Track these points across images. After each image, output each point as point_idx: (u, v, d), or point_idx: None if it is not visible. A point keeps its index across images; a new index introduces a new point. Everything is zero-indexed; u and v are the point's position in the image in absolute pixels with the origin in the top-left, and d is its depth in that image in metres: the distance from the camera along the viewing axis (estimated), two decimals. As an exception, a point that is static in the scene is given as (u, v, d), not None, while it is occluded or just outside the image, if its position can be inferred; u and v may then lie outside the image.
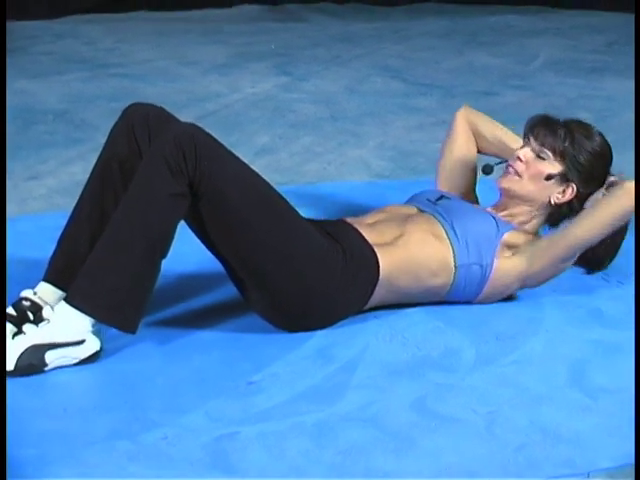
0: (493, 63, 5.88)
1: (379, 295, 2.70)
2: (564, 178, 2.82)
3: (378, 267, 2.67)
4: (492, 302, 2.83)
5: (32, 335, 2.43)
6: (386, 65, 5.75)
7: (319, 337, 2.66)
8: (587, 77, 5.56)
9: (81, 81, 5.32)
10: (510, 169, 2.85)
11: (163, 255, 2.50)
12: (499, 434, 2.27)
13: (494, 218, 2.81)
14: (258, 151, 4.04)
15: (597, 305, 2.88)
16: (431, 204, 2.87)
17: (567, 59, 6.00)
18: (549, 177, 2.81)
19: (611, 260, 3.04)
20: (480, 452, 2.21)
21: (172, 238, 2.50)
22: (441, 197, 2.92)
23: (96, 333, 2.48)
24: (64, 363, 2.45)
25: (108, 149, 2.67)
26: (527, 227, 2.87)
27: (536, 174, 2.82)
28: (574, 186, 2.83)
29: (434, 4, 7.43)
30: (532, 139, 2.83)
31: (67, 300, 2.45)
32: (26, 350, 2.41)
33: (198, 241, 2.66)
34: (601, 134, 2.87)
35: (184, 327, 2.71)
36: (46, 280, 2.64)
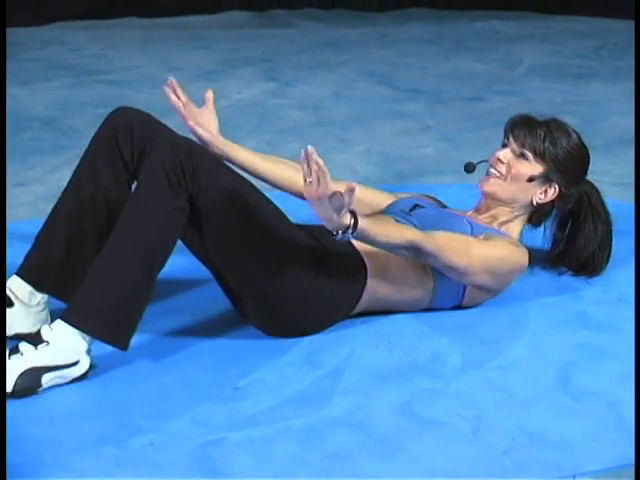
0: (479, 68, 5.89)
1: (363, 303, 2.71)
2: (546, 178, 2.83)
3: (366, 272, 2.67)
4: (482, 301, 2.83)
5: (30, 357, 2.40)
6: (372, 71, 5.76)
7: (306, 343, 2.66)
8: (573, 82, 5.57)
9: (68, 88, 5.32)
10: (492, 171, 2.85)
11: (160, 270, 2.51)
12: (485, 438, 2.28)
13: (469, 223, 2.81)
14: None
15: (582, 308, 2.89)
16: (405, 214, 2.85)
17: (553, 64, 6.01)
18: (531, 179, 2.82)
19: (607, 263, 3.03)
20: (467, 456, 2.22)
21: (170, 253, 2.50)
22: (415, 207, 2.89)
23: (88, 351, 2.47)
24: (57, 383, 2.44)
25: (90, 154, 2.67)
26: (510, 227, 2.87)
27: (518, 175, 2.82)
28: (556, 186, 2.84)
29: (420, 10, 7.44)
30: (512, 140, 2.83)
31: (65, 318, 2.43)
32: (24, 373, 2.39)
33: (186, 249, 2.67)
34: (577, 133, 2.88)
35: (170, 334, 2.72)
36: (18, 274, 2.64)
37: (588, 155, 2.89)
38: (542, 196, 2.85)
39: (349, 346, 2.66)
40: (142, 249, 2.45)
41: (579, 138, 2.87)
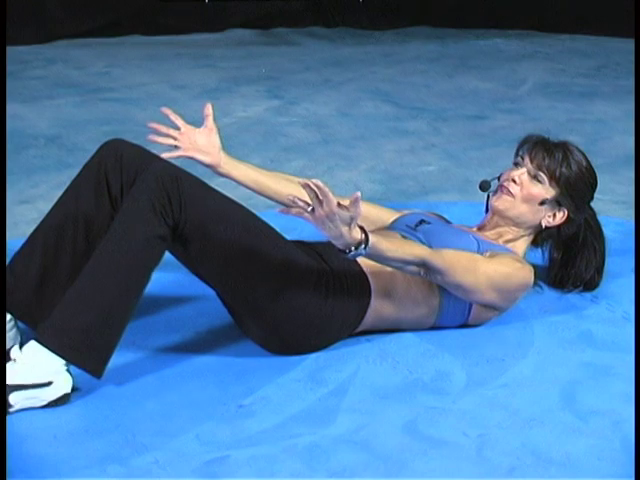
0: (483, 87, 5.90)
1: (368, 321, 2.71)
2: (556, 202, 2.83)
3: (370, 291, 2.67)
4: (488, 319, 2.82)
5: None
6: (376, 89, 5.77)
7: (310, 361, 2.66)
8: (577, 101, 5.58)
9: (72, 105, 5.33)
10: (504, 189, 2.85)
11: (137, 298, 2.48)
12: (490, 457, 2.27)
13: (475, 239, 2.80)
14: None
15: (587, 327, 2.88)
16: (411, 230, 2.85)
17: (556, 83, 6.02)
18: (543, 202, 2.83)
19: (600, 276, 3.03)
20: (471, 475, 2.21)
21: (148, 281, 2.49)
22: (421, 222, 2.89)
23: (68, 374, 2.42)
24: (31, 405, 2.39)
25: (77, 182, 2.65)
26: (516, 245, 2.87)
27: (530, 198, 2.83)
28: (565, 210, 2.84)
29: (424, 28, 7.46)
30: (528, 161, 2.83)
31: (36, 337, 2.41)
32: None
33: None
34: (589, 160, 2.88)
35: (174, 351, 2.71)
36: None
37: (597, 180, 2.89)
38: (550, 219, 2.86)
39: (353, 364, 2.66)
40: (120, 274, 2.43)
41: (590, 165, 2.87)
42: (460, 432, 2.36)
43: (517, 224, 2.86)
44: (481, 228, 2.92)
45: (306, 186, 2.29)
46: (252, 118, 5.20)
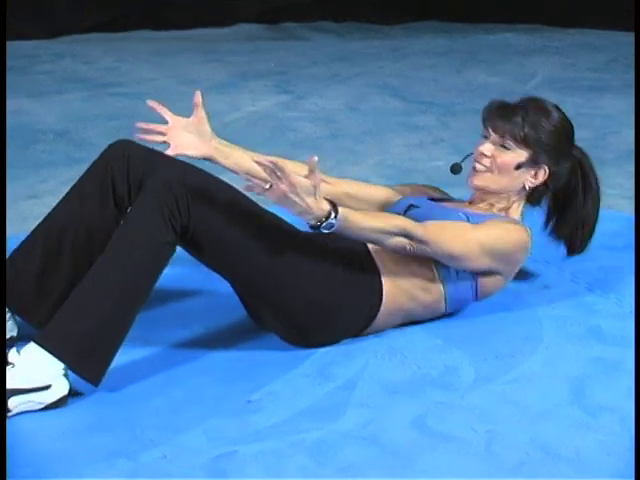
0: (492, 81, 5.89)
1: (382, 318, 2.71)
2: (533, 162, 2.77)
3: (379, 275, 2.68)
4: (498, 288, 2.79)
5: None
6: (385, 83, 5.76)
7: (318, 356, 2.65)
8: (585, 95, 5.56)
9: (81, 100, 5.33)
10: (478, 166, 2.79)
11: (140, 304, 2.48)
12: (499, 452, 2.27)
13: (465, 214, 2.76)
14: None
15: (596, 322, 2.87)
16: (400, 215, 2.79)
17: (566, 77, 6.00)
18: (518, 166, 2.76)
19: (589, 239, 2.94)
20: (480, 470, 2.21)
21: (152, 288, 2.49)
22: (409, 207, 2.84)
23: (65, 377, 2.41)
24: (29, 408, 2.38)
25: (82, 181, 2.65)
26: (510, 212, 2.82)
27: (504, 166, 2.76)
28: (545, 167, 2.78)
29: (433, 23, 7.44)
30: (491, 131, 2.77)
31: (35, 339, 2.40)
32: None
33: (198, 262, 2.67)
34: (557, 107, 2.81)
35: (181, 346, 2.71)
36: None
37: (572, 127, 2.82)
38: (533, 180, 2.80)
39: (362, 359, 2.66)
40: (125, 282, 2.43)
41: (559, 111, 2.80)
42: (469, 427, 2.36)
43: (503, 194, 2.81)
44: (472, 202, 2.87)
45: (260, 164, 2.29)
46: (260, 113, 5.19)
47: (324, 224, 2.39)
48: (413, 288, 2.71)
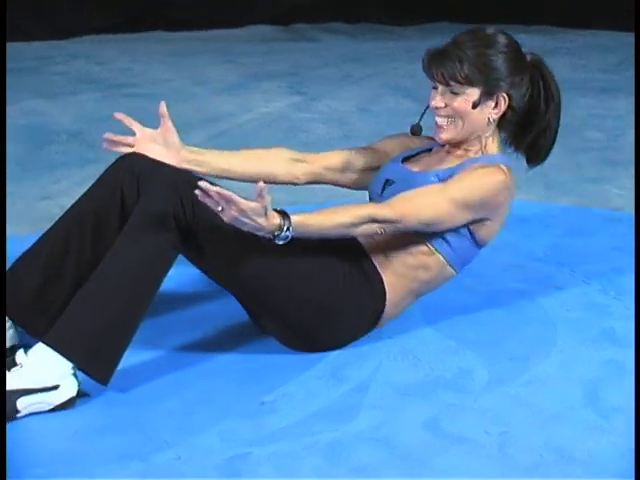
0: (504, 82, 5.88)
1: (391, 308, 2.70)
2: (488, 94, 2.67)
3: (384, 288, 2.68)
4: (495, 232, 2.74)
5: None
6: (398, 84, 5.75)
7: (331, 358, 2.66)
8: (597, 97, 5.56)
9: (95, 101, 5.34)
10: (438, 120, 2.71)
11: (147, 305, 2.48)
12: (512, 454, 2.27)
13: (437, 176, 2.69)
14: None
15: (609, 324, 2.87)
16: (379, 197, 2.77)
17: (577, 79, 5.99)
18: (475, 105, 2.67)
19: (552, 147, 2.84)
20: (492, 472, 2.21)
21: (158, 288, 2.49)
22: (385, 184, 2.79)
23: (74, 377, 2.42)
24: (38, 409, 2.38)
25: (89, 194, 2.64)
26: (487, 150, 2.73)
27: (462, 110, 2.68)
28: (503, 94, 2.68)
29: (446, 24, 7.43)
30: (435, 82, 2.70)
31: (43, 339, 2.40)
32: None
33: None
34: (496, 30, 2.73)
35: (194, 348, 2.72)
36: None
37: (517, 43, 2.73)
38: (496, 111, 2.70)
39: (375, 361, 2.66)
40: (131, 281, 2.43)
41: (500, 36, 2.70)
42: (482, 430, 2.36)
43: (472, 136, 2.73)
44: (449, 152, 2.79)
45: (205, 197, 2.32)
46: (273, 114, 5.20)
47: (279, 236, 2.41)
48: (412, 270, 2.69)
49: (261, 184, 2.33)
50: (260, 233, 2.40)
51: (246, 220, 2.36)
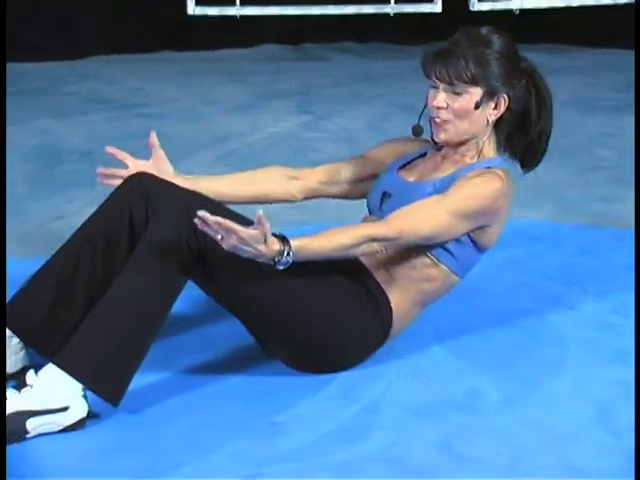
0: (514, 101, 5.88)
1: (399, 323, 2.69)
2: (490, 95, 2.67)
3: (390, 305, 2.67)
4: (496, 236, 2.71)
5: (14, 401, 2.36)
6: (407, 103, 5.74)
7: (342, 378, 2.65)
8: (608, 115, 5.56)
9: (105, 121, 5.36)
10: (438, 120, 2.69)
11: (158, 327, 2.48)
12: (524, 475, 2.26)
13: (433, 186, 2.67)
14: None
15: (621, 344, 2.86)
16: (379, 211, 2.76)
17: (588, 97, 6.00)
18: (477, 106, 2.66)
19: (545, 153, 2.83)
20: (505, 493, 2.21)
21: (169, 311, 2.49)
22: (383, 197, 2.78)
23: (84, 399, 2.41)
24: (47, 430, 2.38)
25: (98, 214, 2.64)
26: (484, 153, 2.72)
27: (464, 112, 2.66)
28: (503, 95, 2.68)
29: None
30: (437, 81, 2.68)
31: (55, 362, 2.40)
32: (7, 417, 2.32)
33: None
34: (492, 30, 2.72)
35: (205, 369, 2.71)
36: None
37: (514, 44, 2.73)
38: (495, 112, 2.70)
39: (385, 381, 2.66)
40: (142, 303, 2.43)
41: (496, 34, 2.70)
42: (493, 450, 2.35)
43: (470, 138, 2.72)
44: (444, 157, 2.77)
45: (205, 226, 2.32)
46: (282, 133, 5.21)
47: (279, 262, 2.41)
48: (417, 283, 2.69)
49: (260, 212, 2.33)
50: (261, 260, 2.41)
51: (246, 248, 2.36)
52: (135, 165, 2.78)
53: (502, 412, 2.52)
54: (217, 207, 2.54)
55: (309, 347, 2.62)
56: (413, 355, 2.78)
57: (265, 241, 2.37)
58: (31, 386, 2.38)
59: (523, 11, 7.03)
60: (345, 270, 2.63)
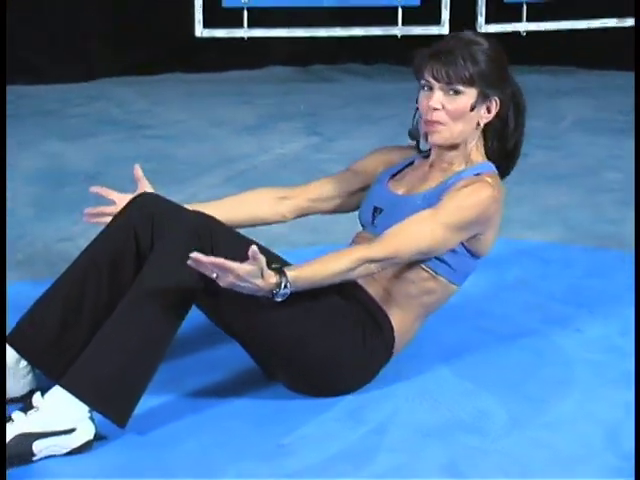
0: (522, 123, 5.89)
1: (401, 339, 2.68)
2: (484, 97, 2.65)
3: (391, 324, 2.66)
4: (491, 242, 2.69)
5: (19, 424, 2.34)
6: (415, 125, 5.77)
7: (349, 399, 2.64)
8: (616, 137, 5.56)
9: (113, 143, 5.38)
10: (432, 122, 2.65)
11: (164, 349, 2.47)
12: (532, 498, 2.25)
13: (423, 200, 2.65)
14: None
15: (629, 366, 2.84)
16: (372, 227, 2.75)
17: (596, 119, 6.00)
18: (472, 108, 2.64)
19: (516, 162, 2.82)
20: (513, 516, 2.19)
21: (175, 332, 2.48)
22: (374, 213, 2.76)
23: (90, 421, 2.40)
24: (53, 453, 2.37)
25: (103, 236, 2.63)
26: (472, 158, 2.70)
27: (460, 113, 2.64)
28: (495, 99, 2.66)
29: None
30: (433, 81, 2.64)
31: (61, 384, 2.39)
32: (13, 439, 2.31)
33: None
34: (478, 34, 2.72)
35: (212, 391, 2.70)
36: (6, 339, 2.58)
37: (498, 46, 2.69)
38: (487, 115, 2.68)
39: (393, 403, 2.65)
40: (148, 325, 2.42)
41: (484, 37, 2.69)
42: (501, 472, 2.34)
43: (461, 142, 2.69)
44: (432, 165, 2.76)
45: (199, 266, 2.31)
46: (290, 155, 5.21)
47: (278, 294, 2.41)
48: (416, 299, 2.68)
49: (253, 247, 2.32)
50: (260, 294, 2.40)
51: (244, 284, 2.35)
52: (121, 199, 2.77)
53: (510, 434, 2.51)
54: (223, 229, 2.54)
55: (308, 371, 2.61)
56: (420, 376, 2.77)
57: (262, 275, 2.36)
58: (37, 408, 2.37)
59: (530, 33, 7.05)
60: (343, 293, 2.62)
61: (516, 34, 6.99)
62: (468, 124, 2.67)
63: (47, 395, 2.39)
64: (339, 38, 7.10)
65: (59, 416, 2.37)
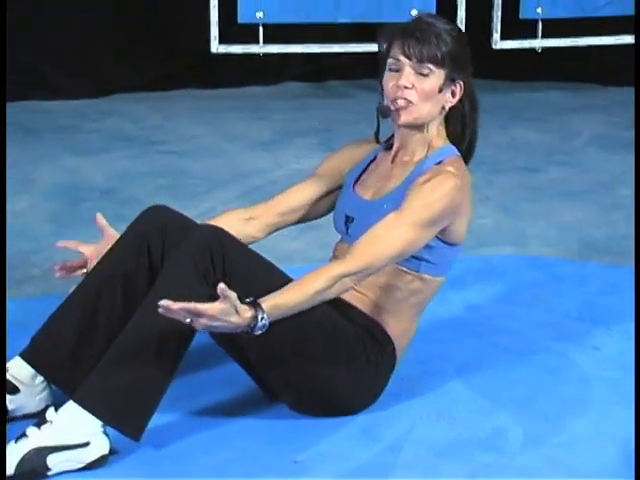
0: (537, 139, 5.88)
1: (401, 345, 2.68)
2: (451, 80, 2.64)
3: (388, 334, 2.65)
4: (465, 228, 2.68)
5: (34, 438, 2.35)
6: (429, 141, 5.76)
7: (364, 416, 2.64)
8: (631, 153, 5.53)
9: (128, 159, 5.38)
10: (400, 101, 2.62)
11: (178, 362, 2.46)
12: (548, 516, 2.24)
13: (390, 201, 2.62)
14: (304, 227, 4.04)
15: (646, 384, 2.84)
16: (347, 236, 2.73)
17: (611, 135, 5.99)
18: (441, 89, 2.63)
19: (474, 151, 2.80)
20: (529, 535, 2.18)
21: (187, 347, 2.47)
22: (347, 222, 2.74)
23: (105, 435, 2.40)
24: (68, 467, 2.37)
25: (116, 250, 2.63)
26: (433, 144, 2.68)
27: (429, 94, 2.61)
28: (460, 82, 2.65)
29: (477, 80, 7.47)
30: (404, 58, 2.60)
31: (74, 398, 2.39)
32: (27, 453, 2.32)
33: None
34: (441, 18, 2.69)
35: (227, 408, 2.70)
36: (21, 355, 2.59)
37: (463, 32, 2.71)
38: (452, 98, 2.66)
39: (408, 420, 2.64)
40: (161, 338, 2.41)
41: (445, 18, 2.68)
42: (517, 490, 2.33)
43: (425, 125, 2.67)
44: (394, 160, 2.74)
45: (170, 313, 2.29)
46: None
47: (256, 327, 2.38)
48: (405, 302, 2.66)
49: (221, 285, 2.30)
50: (238, 330, 2.37)
51: (218, 324, 2.33)
52: (88, 250, 2.77)
53: (526, 452, 2.49)
54: (234, 243, 2.53)
55: (317, 394, 2.60)
56: (435, 393, 2.77)
57: (237, 311, 2.33)
58: (51, 422, 2.37)
59: (545, 49, 7.04)
60: (338, 313, 2.59)
61: (532, 50, 6.98)
62: (435, 106, 2.65)
63: (61, 409, 2.39)
64: (354, 54, 7.09)
65: (72, 430, 2.36)
